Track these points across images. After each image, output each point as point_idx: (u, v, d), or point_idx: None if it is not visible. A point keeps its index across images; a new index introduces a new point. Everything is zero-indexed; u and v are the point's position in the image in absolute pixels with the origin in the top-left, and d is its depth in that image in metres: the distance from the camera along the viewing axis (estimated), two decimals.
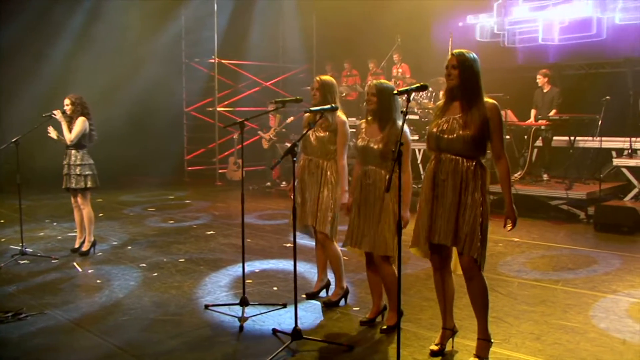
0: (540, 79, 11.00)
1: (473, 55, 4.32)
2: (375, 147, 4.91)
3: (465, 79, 4.25)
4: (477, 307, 4.39)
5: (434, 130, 4.36)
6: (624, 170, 10.31)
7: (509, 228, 4.32)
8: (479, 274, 4.30)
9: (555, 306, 5.70)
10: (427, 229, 4.38)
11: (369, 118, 5.10)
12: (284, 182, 13.89)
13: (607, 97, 10.25)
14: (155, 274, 6.93)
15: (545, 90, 10.98)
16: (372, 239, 4.95)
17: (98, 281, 6.72)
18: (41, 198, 12.12)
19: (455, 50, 4.36)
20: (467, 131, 4.20)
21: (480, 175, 4.26)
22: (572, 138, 10.60)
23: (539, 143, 10.86)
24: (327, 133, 5.58)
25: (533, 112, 11.15)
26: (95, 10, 14.54)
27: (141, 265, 7.34)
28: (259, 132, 14.56)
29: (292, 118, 14.32)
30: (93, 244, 7.89)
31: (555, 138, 10.75)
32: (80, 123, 7.53)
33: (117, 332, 5.19)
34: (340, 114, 5.61)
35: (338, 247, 5.71)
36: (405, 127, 4.84)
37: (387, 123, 4.94)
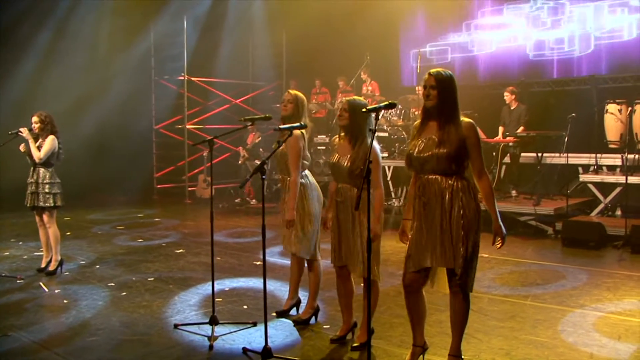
0: (508, 96, 11.15)
1: (450, 73, 4.32)
2: (345, 164, 4.93)
3: (443, 98, 4.25)
4: (456, 324, 4.37)
5: (412, 150, 4.36)
6: (590, 185, 10.46)
7: (499, 245, 4.31)
8: (465, 290, 4.28)
9: (525, 321, 5.74)
10: (419, 253, 4.32)
11: (342, 134, 5.11)
12: (253, 200, 13.82)
13: (573, 114, 10.42)
14: (124, 294, 6.85)
15: (512, 107, 11.12)
16: (353, 259, 4.95)
17: (65, 301, 6.61)
18: (6, 216, 11.92)
19: (433, 70, 4.33)
20: (442, 149, 4.19)
21: (461, 189, 4.23)
22: (539, 154, 10.73)
23: (507, 160, 10.97)
24: (283, 148, 5.58)
25: (500, 129, 11.28)
26: (63, 27, 14.43)
27: (109, 284, 7.24)
28: (240, 148, 14.59)
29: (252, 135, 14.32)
30: (60, 263, 7.77)
31: (522, 154, 10.87)
32: (50, 141, 7.45)
33: (84, 353, 5.10)
34: (299, 132, 5.52)
35: (321, 265, 5.70)
36: (375, 144, 4.86)
37: (358, 140, 4.95)
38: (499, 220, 4.29)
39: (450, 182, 4.23)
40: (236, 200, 13.81)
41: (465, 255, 4.18)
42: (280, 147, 5.46)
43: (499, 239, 4.29)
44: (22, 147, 7.54)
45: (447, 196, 4.21)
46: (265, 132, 14.87)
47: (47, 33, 14.39)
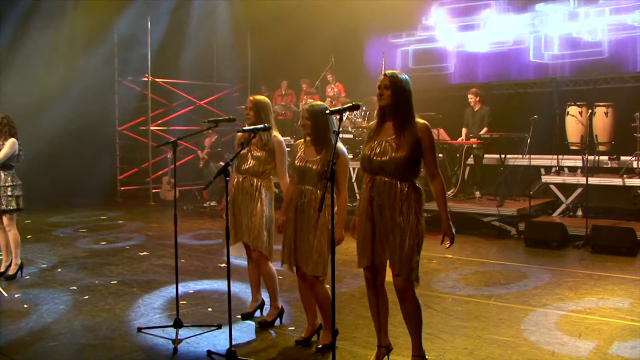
0: (472, 98, 11.25)
1: (405, 76, 4.39)
2: (314, 167, 4.92)
3: (397, 99, 4.31)
4: (411, 326, 4.44)
5: (368, 152, 4.40)
6: (552, 186, 10.61)
7: (447, 245, 4.38)
8: (413, 294, 4.35)
9: (488, 321, 5.80)
10: (369, 251, 4.40)
11: (307, 139, 5.11)
12: (213, 202, 13.73)
13: (535, 116, 10.56)
14: (86, 297, 6.75)
15: (475, 109, 11.23)
16: (306, 258, 4.95)
17: (25, 306, 6.49)
18: None
19: (388, 71, 4.41)
20: (400, 153, 4.24)
21: (414, 198, 4.30)
22: (502, 156, 10.86)
23: (470, 161, 11.08)
24: (264, 152, 5.60)
25: (464, 130, 11.38)
26: (23, 26, 14.18)
27: (71, 288, 7.14)
28: (198, 151, 14.50)
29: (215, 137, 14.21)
30: (20, 267, 7.63)
31: (486, 156, 10.99)
32: (10, 144, 7.29)
33: (45, 359, 5.02)
34: (276, 134, 5.67)
35: (273, 266, 5.69)
36: (342, 147, 4.89)
37: (324, 144, 4.97)
38: (449, 221, 4.37)
39: (404, 187, 4.28)
40: (211, 204, 13.68)
41: (417, 262, 4.29)
42: (249, 149, 5.55)
43: (448, 239, 4.38)
44: None
45: (404, 202, 4.27)
46: (229, 133, 14.77)
47: (5, 32, 14.12)
